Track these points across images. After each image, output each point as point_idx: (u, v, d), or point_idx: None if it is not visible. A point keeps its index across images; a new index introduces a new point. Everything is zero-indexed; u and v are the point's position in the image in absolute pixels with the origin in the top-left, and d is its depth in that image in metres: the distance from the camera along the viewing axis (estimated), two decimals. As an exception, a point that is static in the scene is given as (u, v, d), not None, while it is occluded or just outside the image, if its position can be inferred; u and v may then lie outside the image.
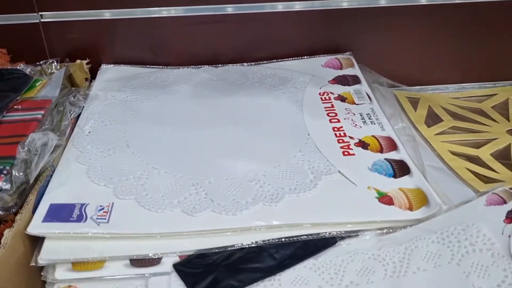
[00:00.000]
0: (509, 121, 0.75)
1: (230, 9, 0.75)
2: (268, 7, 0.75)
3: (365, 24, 0.79)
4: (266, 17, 0.76)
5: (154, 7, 0.76)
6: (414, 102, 0.80)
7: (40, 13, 0.73)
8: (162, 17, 0.76)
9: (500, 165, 0.65)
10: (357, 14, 0.78)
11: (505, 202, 0.47)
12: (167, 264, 0.46)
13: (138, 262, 0.46)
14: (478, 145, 0.70)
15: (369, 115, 0.65)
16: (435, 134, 0.72)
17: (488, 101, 0.81)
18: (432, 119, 0.76)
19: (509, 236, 0.43)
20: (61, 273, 0.45)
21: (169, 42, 0.78)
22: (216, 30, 0.77)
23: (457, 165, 0.64)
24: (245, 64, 0.78)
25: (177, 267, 0.45)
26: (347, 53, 0.79)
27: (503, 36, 0.82)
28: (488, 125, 0.74)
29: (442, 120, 0.75)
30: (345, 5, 0.77)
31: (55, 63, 0.70)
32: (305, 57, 0.78)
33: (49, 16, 0.74)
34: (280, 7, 0.75)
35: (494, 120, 0.76)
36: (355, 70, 0.75)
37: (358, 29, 0.79)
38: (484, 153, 0.68)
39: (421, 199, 0.51)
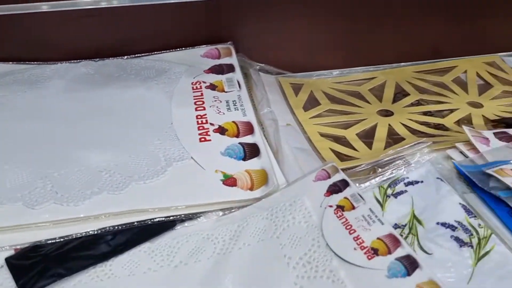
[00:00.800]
0: (381, 102, 0.79)
1: (108, 2, 0.75)
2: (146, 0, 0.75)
3: (247, 13, 0.80)
4: (146, 9, 0.77)
5: (33, 2, 0.75)
6: (297, 88, 0.82)
7: None
8: (41, 12, 0.76)
9: (362, 144, 0.68)
10: (238, 4, 0.79)
11: (329, 177, 0.50)
12: (1, 259, 0.46)
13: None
14: (347, 126, 0.73)
15: (234, 102, 0.67)
16: (310, 118, 0.75)
17: (367, 84, 0.84)
18: (311, 103, 0.79)
19: (325, 208, 0.45)
20: None
21: (49, 38, 0.78)
22: (96, 24, 0.77)
23: (322, 146, 0.67)
24: (125, 57, 0.78)
25: (9, 260, 0.45)
26: (228, 42, 0.81)
27: (383, 21, 0.85)
28: (361, 107, 0.78)
29: (320, 104, 0.78)
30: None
31: None
32: (187, 48, 0.79)
33: None
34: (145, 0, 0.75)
35: (368, 102, 0.79)
36: (232, 59, 0.76)
37: (239, 19, 0.81)
38: (351, 133, 0.71)
39: (262, 179, 0.54)
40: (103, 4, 0.74)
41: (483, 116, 0.74)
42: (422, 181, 0.58)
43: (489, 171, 0.55)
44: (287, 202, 0.49)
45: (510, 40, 0.91)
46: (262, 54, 0.84)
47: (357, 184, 0.58)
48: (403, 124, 0.72)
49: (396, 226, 0.53)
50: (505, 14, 0.88)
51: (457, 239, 0.50)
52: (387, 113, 0.76)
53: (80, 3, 0.76)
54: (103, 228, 0.48)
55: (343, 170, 0.60)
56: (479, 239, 0.50)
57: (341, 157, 0.65)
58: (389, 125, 0.72)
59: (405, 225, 0.53)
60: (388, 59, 0.89)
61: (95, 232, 0.48)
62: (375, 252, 0.40)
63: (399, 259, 0.39)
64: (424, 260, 0.48)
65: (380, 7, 0.83)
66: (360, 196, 0.47)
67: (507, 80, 0.84)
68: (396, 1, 0.83)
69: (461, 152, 0.61)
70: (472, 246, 0.49)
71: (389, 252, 0.40)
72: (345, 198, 0.47)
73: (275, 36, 0.83)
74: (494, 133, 0.63)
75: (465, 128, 0.63)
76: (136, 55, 0.79)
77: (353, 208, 0.46)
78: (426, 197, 0.56)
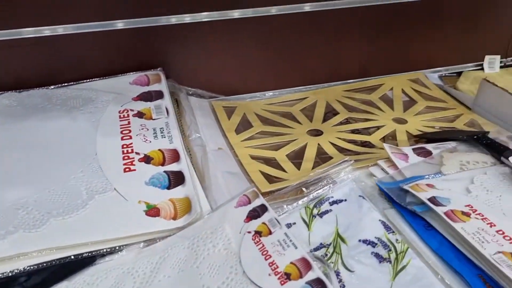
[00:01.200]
0: (311, 122, 0.81)
1: (29, 32, 0.74)
2: (70, 29, 0.74)
3: (177, 39, 0.80)
4: (74, 38, 0.76)
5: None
6: (230, 111, 0.83)
7: None
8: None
9: (291, 164, 0.69)
10: (168, 30, 0.79)
11: (249, 202, 0.50)
12: None
13: None
14: (278, 147, 0.74)
15: (162, 129, 0.67)
16: (242, 140, 0.75)
17: (298, 105, 0.86)
18: (244, 125, 0.80)
19: (244, 234, 0.46)
20: None
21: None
22: (20, 54, 0.75)
23: (252, 169, 0.68)
24: (52, 87, 0.76)
25: None
26: (158, 69, 0.80)
27: (313, 41, 0.87)
28: (292, 128, 0.79)
29: (252, 126, 0.79)
30: (155, 23, 0.78)
31: None
32: (116, 75, 0.79)
33: None
34: (70, 29, 0.74)
35: (299, 122, 0.81)
36: (161, 85, 0.76)
37: (170, 44, 0.81)
38: (281, 154, 0.72)
39: (186, 207, 0.53)
40: (18, 36, 0.73)
41: (407, 131, 0.77)
42: (345, 200, 0.59)
43: (406, 187, 0.57)
44: (209, 230, 0.49)
45: (432, 58, 0.96)
46: (195, 78, 0.85)
47: (285, 206, 0.59)
48: (332, 143, 0.74)
49: (321, 246, 0.54)
50: (426, 34, 0.93)
51: (377, 255, 0.52)
52: (317, 133, 0.78)
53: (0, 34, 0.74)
54: (17, 269, 0.46)
55: (271, 192, 0.62)
56: (396, 254, 0.51)
57: (270, 179, 0.66)
58: (318, 144, 0.74)
59: (329, 244, 0.54)
60: (319, 79, 0.91)
61: (9, 275, 0.46)
62: (287, 277, 0.41)
63: (309, 282, 0.40)
64: (347, 278, 0.50)
65: (310, 28, 0.85)
66: (277, 221, 0.48)
67: (429, 96, 0.89)
68: (325, 22, 0.86)
69: (383, 169, 0.63)
70: (390, 261, 0.51)
71: (301, 276, 0.41)
72: (263, 223, 0.48)
73: (207, 60, 0.84)
74: (413, 149, 0.66)
75: (385, 146, 0.65)
76: (63, 84, 0.77)
77: (270, 233, 0.46)
78: (349, 215, 0.57)
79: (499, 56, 0.96)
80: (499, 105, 0.78)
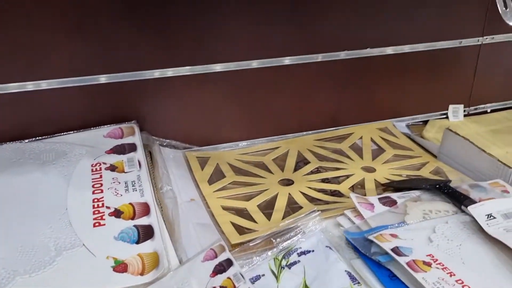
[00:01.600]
0: (283, 171, 0.83)
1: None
2: (32, 86, 0.76)
3: (150, 91, 0.83)
4: (47, 93, 0.77)
5: None
6: (204, 161, 0.85)
7: None
8: None
9: (262, 215, 0.71)
10: (141, 83, 0.82)
11: (216, 256, 0.51)
12: None
13: None
14: (250, 198, 0.75)
15: (133, 183, 0.68)
16: (214, 191, 0.77)
17: (270, 154, 0.88)
18: (217, 176, 0.81)
19: (210, 290, 0.46)
20: None
21: None
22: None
23: (223, 220, 0.69)
24: (26, 140, 0.77)
25: None
26: (132, 121, 0.82)
27: (283, 95, 0.91)
28: (264, 177, 0.81)
29: (225, 177, 0.81)
30: (130, 77, 0.81)
31: None
32: (91, 128, 0.80)
33: None
34: (44, 85, 0.76)
35: (271, 172, 0.83)
36: (135, 138, 0.78)
37: (143, 97, 0.83)
38: (252, 205, 0.73)
39: (154, 262, 0.54)
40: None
41: (375, 180, 0.80)
42: (313, 250, 0.60)
43: (371, 237, 0.58)
44: (175, 286, 0.49)
45: (399, 107, 1.00)
46: (169, 130, 0.87)
47: (254, 257, 0.60)
48: (302, 193, 0.76)
49: (290, 298, 0.55)
50: (393, 85, 0.97)
51: (343, 307, 0.52)
52: (288, 182, 0.80)
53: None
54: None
55: (241, 243, 0.63)
56: (361, 305, 0.52)
57: (241, 230, 0.67)
58: (289, 194, 0.76)
59: (297, 296, 0.55)
60: (291, 129, 0.94)
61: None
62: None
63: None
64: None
65: (281, 80, 0.89)
66: (242, 276, 0.49)
67: (397, 144, 0.92)
68: (296, 75, 0.89)
69: (349, 219, 0.65)
70: (356, 312, 0.52)
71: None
72: (228, 278, 0.48)
73: (181, 112, 0.86)
74: (378, 199, 0.68)
75: (352, 196, 0.67)
76: (37, 138, 0.78)
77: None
78: (317, 266, 0.58)
79: (462, 105, 1.01)
80: (462, 153, 0.82)
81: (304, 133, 0.95)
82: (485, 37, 0.97)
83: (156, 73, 0.81)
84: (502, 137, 0.93)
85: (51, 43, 0.74)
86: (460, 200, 0.64)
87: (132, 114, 0.84)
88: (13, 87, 0.75)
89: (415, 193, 0.69)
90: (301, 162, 0.86)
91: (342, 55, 0.91)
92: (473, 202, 0.63)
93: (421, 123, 1.01)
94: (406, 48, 0.94)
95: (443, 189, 0.67)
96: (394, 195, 0.69)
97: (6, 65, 0.74)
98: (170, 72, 0.82)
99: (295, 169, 0.84)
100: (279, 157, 0.88)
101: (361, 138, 0.94)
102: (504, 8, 0.62)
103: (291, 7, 0.84)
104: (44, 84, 0.76)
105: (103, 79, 0.79)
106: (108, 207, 0.63)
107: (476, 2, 0.91)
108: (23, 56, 0.74)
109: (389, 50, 0.93)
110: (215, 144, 0.90)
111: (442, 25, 0.94)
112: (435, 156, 0.87)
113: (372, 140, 0.93)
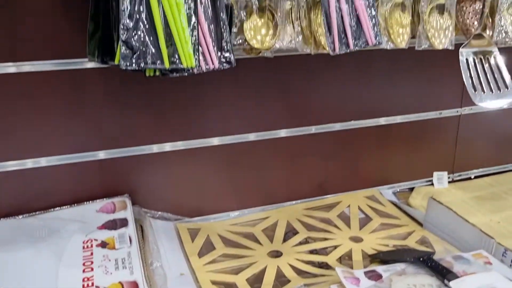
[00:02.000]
0: (272, 243, 0.85)
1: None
2: (30, 164, 0.79)
3: (142, 165, 0.86)
4: (39, 172, 0.80)
5: None
6: (194, 233, 0.86)
7: None
8: None
9: (249, 289, 0.72)
10: (133, 158, 0.85)
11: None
12: None
13: None
14: (239, 271, 0.76)
15: (123, 260, 0.69)
16: (204, 264, 0.78)
17: (260, 224, 0.90)
18: (207, 248, 0.82)
19: None
20: None
21: None
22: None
23: (212, 296, 0.70)
24: (19, 217, 0.79)
25: None
26: (124, 195, 0.85)
27: (272, 161, 0.94)
28: (253, 249, 0.82)
29: (214, 249, 0.82)
30: (122, 154, 0.84)
31: None
32: (84, 203, 0.82)
33: None
34: (43, 162, 0.79)
35: (260, 243, 0.84)
36: (127, 213, 0.80)
37: (135, 170, 0.86)
38: (241, 279, 0.74)
39: None
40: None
41: (362, 251, 0.81)
42: (299, 328, 0.61)
43: (355, 315, 0.59)
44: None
45: (385, 175, 1.03)
46: (161, 202, 0.89)
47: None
48: (291, 265, 0.77)
49: None
50: (378, 154, 1.01)
51: None
52: (277, 254, 0.81)
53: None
54: None
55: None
56: None
57: (228, 306, 0.67)
58: (278, 267, 0.77)
59: None
60: (280, 197, 0.96)
61: None
62: None
63: None
64: None
65: (267, 147, 0.92)
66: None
67: (384, 213, 0.94)
68: (285, 146, 0.93)
69: (335, 294, 0.66)
70: None
71: None
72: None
73: (172, 185, 0.89)
74: (364, 272, 0.69)
75: (338, 270, 0.69)
76: (31, 213, 0.80)
77: None
78: None
79: (446, 173, 1.04)
80: (446, 222, 0.84)
81: (294, 202, 0.97)
82: (463, 108, 1.02)
83: (149, 148, 0.85)
84: (486, 204, 0.96)
85: (50, 122, 0.78)
86: (443, 274, 0.65)
87: (125, 187, 0.86)
88: (12, 165, 0.78)
89: (400, 266, 0.70)
90: (290, 232, 0.88)
91: (337, 126, 0.95)
92: (455, 276, 0.64)
93: (407, 190, 1.03)
94: (390, 120, 0.98)
95: (426, 262, 0.69)
96: (379, 268, 0.70)
97: (4, 143, 0.77)
98: (162, 146, 0.86)
99: (284, 240, 0.85)
100: (269, 227, 0.89)
101: (348, 206, 0.96)
102: (473, 91, 0.66)
103: (278, 86, 0.89)
104: (43, 161, 0.79)
105: (98, 155, 0.83)
106: (97, 287, 0.64)
107: (454, 77, 0.96)
108: (21, 134, 0.77)
109: (372, 122, 0.97)
110: (207, 215, 0.92)
111: (423, 97, 0.99)
112: (421, 225, 0.89)
113: (359, 208, 0.95)
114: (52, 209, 0.81)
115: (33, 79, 0.75)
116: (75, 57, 0.76)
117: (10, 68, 0.73)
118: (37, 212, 0.80)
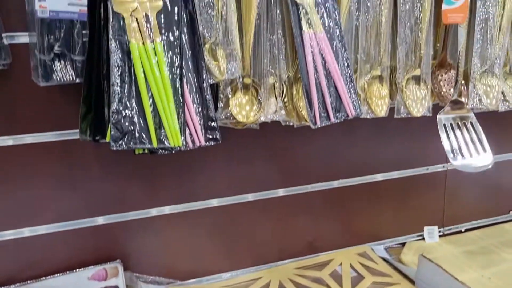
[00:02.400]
0: (264, 305, 0.84)
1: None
2: (27, 232, 0.80)
3: (136, 233, 0.87)
4: (30, 240, 0.81)
5: None
6: (187, 297, 0.86)
7: None
8: None
9: None
10: (128, 226, 0.86)
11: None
12: None
13: None
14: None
15: (114, 332, 0.69)
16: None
17: (252, 286, 0.90)
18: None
19: None
20: None
21: None
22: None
23: None
24: (12, 286, 0.79)
25: None
26: (116, 260, 0.85)
27: (264, 226, 0.95)
28: (245, 315, 0.82)
29: (206, 313, 0.82)
30: (114, 220, 0.85)
31: None
32: (76, 270, 0.83)
33: None
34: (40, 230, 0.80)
35: (252, 307, 0.84)
36: (118, 280, 0.80)
37: (127, 236, 0.87)
38: None
39: None
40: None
41: (354, 313, 0.81)
42: None
43: None
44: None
45: (376, 231, 1.04)
46: (153, 266, 0.89)
47: None
48: (282, 331, 0.77)
49: None
50: (368, 210, 1.02)
51: None
52: (269, 320, 0.81)
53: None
54: None
55: None
56: None
57: None
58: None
59: None
60: (272, 257, 0.97)
61: None
62: None
63: None
64: None
65: (258, 208, 0.93)
66: None
67: (376, 270, 0.94)
68: (272, 203, 0.94)
69: None
70: None
71: None
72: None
73: (164, 249, 0.90)
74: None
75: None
76: (24, 282, 0.80)
77: None
78: None
79: (436, 227, 1.05)
80: (437, 280, 0.84)
81: (286, 261, 0.97)
82: (449, 163, 1.04)
83: (140, 214, 0.86)
84: (477, 259, 0.96)
85: (44, 192, 0.80)
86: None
87: (117, 252, 0.87)
88: (8, 234, 0.79)
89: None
90: (283, 293, 0.88)
91: (335, 183, 0.96)
92: None
93: (399, 245, 1.04)
94: (378, 177, 1.00)
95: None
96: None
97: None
98: (153, 211, 0.87)
99: (276, 303, 0.85)
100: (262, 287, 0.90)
101: (340, 264, 0.96)
102: (452, 155, 0.69)
103: (267, 149, 0.91)
104: (40, 229, 0.80)
105: (92, 221, 0.84)
106: None
107: (438, 134, 0.99)
108: (17, 204, 0.79)
109: (361, 180, 0.99)
110: (199, 277, 0.92)
111: (409, 154, 1.01)
112: (413, 282, 0.89)
113: (351, 266, 0.95)
114: (44, 278, 0.81)
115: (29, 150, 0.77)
116: (69, 128, 0.78)
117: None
118: (29, 282, 0.80)
